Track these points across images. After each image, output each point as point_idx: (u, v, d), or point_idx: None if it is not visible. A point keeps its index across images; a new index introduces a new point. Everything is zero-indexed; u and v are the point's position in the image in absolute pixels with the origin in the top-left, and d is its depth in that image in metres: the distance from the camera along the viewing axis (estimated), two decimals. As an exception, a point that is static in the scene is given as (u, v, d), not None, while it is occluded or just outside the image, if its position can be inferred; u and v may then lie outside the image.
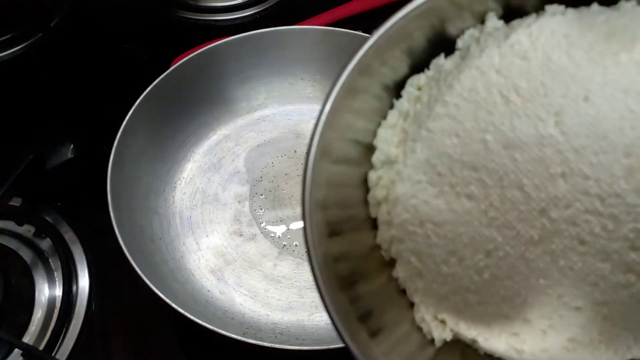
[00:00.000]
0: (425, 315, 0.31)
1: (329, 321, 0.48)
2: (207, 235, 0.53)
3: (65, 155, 0.59)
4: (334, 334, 0.47)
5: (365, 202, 0.31)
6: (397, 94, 0.31)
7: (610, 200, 0.25)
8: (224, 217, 0.54)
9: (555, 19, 0.27)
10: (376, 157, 0.30)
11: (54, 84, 0.58)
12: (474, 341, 0.29)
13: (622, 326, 0.28)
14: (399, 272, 0.31)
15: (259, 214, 0.54)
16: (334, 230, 0.30)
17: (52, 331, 0.48)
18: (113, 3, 0.68)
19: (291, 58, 0.60)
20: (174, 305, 0.41)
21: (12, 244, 0.53)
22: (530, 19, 0.28)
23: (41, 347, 0.48)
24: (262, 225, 0.54)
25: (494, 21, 0.29)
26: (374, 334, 0.29)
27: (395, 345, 0.30)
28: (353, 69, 0.28)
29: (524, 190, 0.26)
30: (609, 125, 0.25)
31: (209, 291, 0.50)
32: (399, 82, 0.31)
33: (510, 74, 0.27)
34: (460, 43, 0.30)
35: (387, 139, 0.30)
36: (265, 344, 0.41)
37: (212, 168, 0.57)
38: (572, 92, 0.26)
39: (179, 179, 0.56)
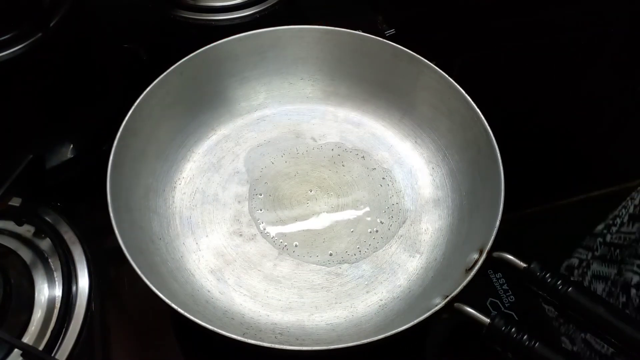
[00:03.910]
0: None
1: (329, 321, 0.49)
2: (206, 236, 0.53)
3: (65, 156, 0.59)
4: (334, 334, 0.48)
5: None
6: None
7: None
8: (224, 217, 0.54)
9: None
10: None
11: (53, 83, 0.58)
12: None
13: None
14: None
15: (259, 214, 0.54)
16: None
17: (52, 331, 0.48)
18: (113, 3, 0.68)
19: (291, 58, 0.60)
20: (173, 306, 0.41)
21: (11, 244, 0.53)
22: None
23: (41, 347, 0.48)
24: (262, 225, 0.54)
25: None
26: None
27: None
28: None
29: None
30: None
31: (208, 291, 0.50)
32: None
33: None
34: None
35: None
36: (265, 344, 0.41)
37: (211, 168, 0.57)
38: None
39: (179, 179, 0.56)
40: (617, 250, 0.50)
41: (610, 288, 0.49)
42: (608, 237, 0.51)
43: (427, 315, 0.41)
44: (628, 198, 0.51)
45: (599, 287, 0.50)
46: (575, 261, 0.55)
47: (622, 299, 0.46)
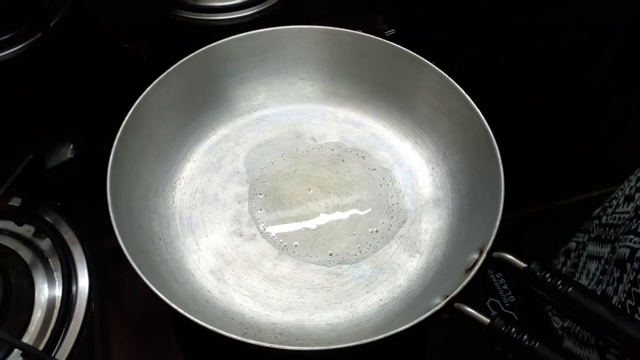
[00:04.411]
0: None
1: (329, 321, 0.49)
2: (206, 236, 0.53)
3: (65, 155, 0.59)
4: (334, 334, 0.48)
5: None
6: None
7: None
8: (224, 217, 0.54)
9: None
10: None
11: (53, 83, 0.58)
12: None
13: None
14: None
15: (259, 214, 0.54)
16: None
17: (52, 331, 0.48)
18: (113, 3, 0.68)
19: (291, 58, 0.60)
20: (173, 306, 0.41)
21: (11, 244, 0.53)
22: None
23: (41, 347, 0.48)
24: (262, 225, 0.54)
25: None
26: None
27: None
28: None
29: None
30: None
31: (208, 291, 0.50)
32: None
33: None
34: None
35: None
36: (265, 344, 0.41)
37: (211, 168, 0.57)
38: None
39: (179, 179, 0.56)
40: (612, 230, 0.50)
41: (604, 266, 0.49)
42: (604, 219, 0.52)
43: (427, 315, 0.41)
44: (625, 181, 0.51)
45: (592, 267, 0.50)
46: (572, 245, 0.55)
47: (616, 274, 0.46)
